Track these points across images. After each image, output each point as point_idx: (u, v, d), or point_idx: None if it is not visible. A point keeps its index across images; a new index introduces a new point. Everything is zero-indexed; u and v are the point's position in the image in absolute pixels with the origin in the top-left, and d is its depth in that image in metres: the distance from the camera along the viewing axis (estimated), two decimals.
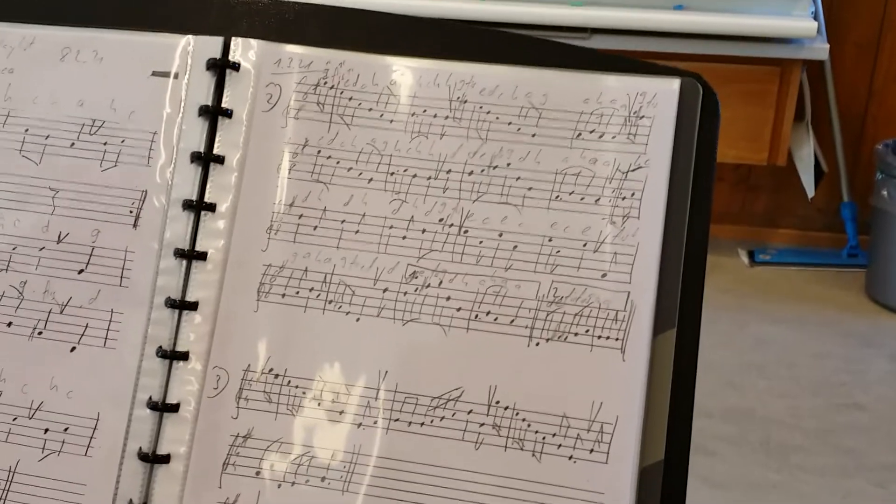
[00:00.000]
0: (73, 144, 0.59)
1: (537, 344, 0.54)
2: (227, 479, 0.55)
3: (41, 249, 0.58)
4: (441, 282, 0.56)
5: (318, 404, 0.55)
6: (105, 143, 0.59)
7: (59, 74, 0.60)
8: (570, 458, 0.53)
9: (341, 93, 0.59)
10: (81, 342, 0.57)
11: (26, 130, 0.59)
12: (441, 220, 0.57)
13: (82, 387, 0.56)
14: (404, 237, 0.57)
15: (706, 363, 2.14)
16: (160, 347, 0.56)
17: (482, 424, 0.54)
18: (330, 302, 0.56)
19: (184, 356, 0.56)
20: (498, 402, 0.54)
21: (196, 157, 0.58)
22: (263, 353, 0.56)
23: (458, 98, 0.58)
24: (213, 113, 0.58)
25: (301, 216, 0.57)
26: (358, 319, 0.56)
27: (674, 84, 0.57)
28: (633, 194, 0.56)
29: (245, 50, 0.59)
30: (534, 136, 0.57)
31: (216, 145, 0.58)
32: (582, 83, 0.58)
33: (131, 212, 0.58)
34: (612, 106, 0.57)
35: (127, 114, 0.59)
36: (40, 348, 0.57)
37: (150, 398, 0.55)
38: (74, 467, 0.55)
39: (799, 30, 2.27)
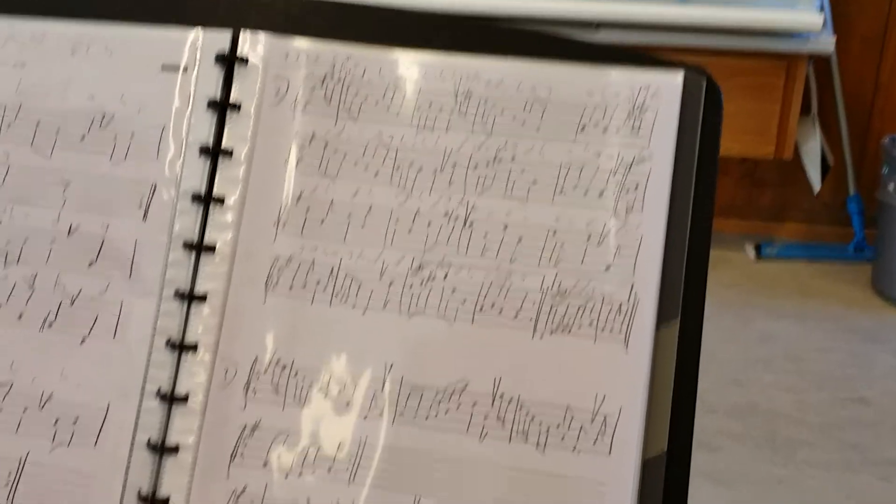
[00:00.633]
0: (83, 138, 0.59)
1: (541, 336, 0.55)
2: (234, 470, 0.55)
3: (52, 242, 0.58)
4: (446, 274, 0.56)
5: (325, 396, 0.56)
6: (115, 137, 0.59)
7: (70, 68, 0.60)
8: (574, 449, 0.54)
9: (348, 86, 0.59)
10: (91, 334, 0.57)
11: (37, 124, 0.60)
12: (446, 212, 0.57)
13: (92, 378, 0.57)
14: (410, 230, 0.57)
15: (711, 358, 2.14)
16: (169, 339, 0.56)
17: (487, 416, 0.54)
18: (336, 294, 0.57)
19: (192, 348, 0.56)
20: (502, 395, 0.55)
21: (205, 151, 0.58)
22: (271, 344, 0.56)
23: (464, 92, 0.59)
24: (222, 106, 0.59)
25: (308, 209, 0.58)
26: (364, 312, 0.56)
27: (677, 77, 0.57)
28: (636, 187, 0.56)
29: (253, 44, 0.60)
30: (538, 129, 0.58)
31: (225, 139, 0.58)
32: (586, 77, 0.58)
33: (140, 205, 0.58)
34: (616, 99, 0.57)
35: (136, 107, 0.59)
36: (50, 340, 0.57)
37: (159, 389, 0.56)
38: (84, 458, 0.56)
39: (805, 23, 2.27)
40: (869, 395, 2.06)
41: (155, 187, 0.58)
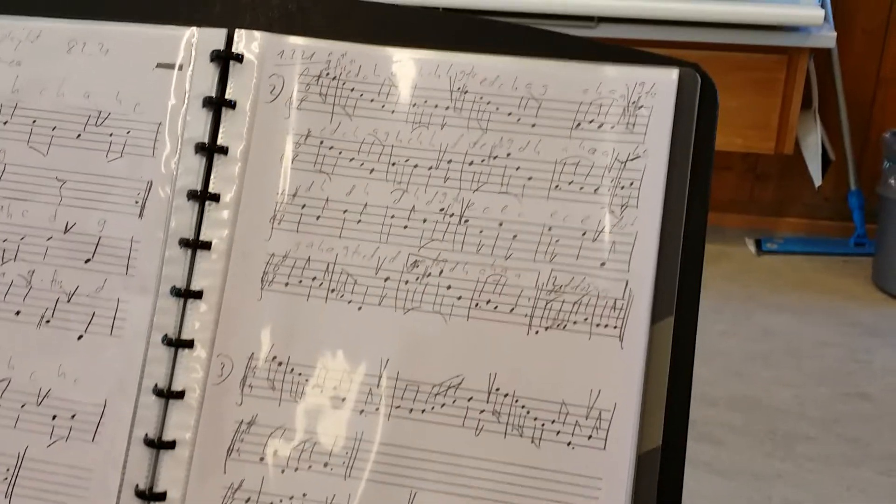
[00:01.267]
0: (79, 135, 0.60)
1: (536, 332, 0.55)
2: (231, 465, 0.55)
3: (48, 239, 0.59)
4: (442, 271, 0.56)
5: (321, 391, 0.56)
6: (111, 135, 0.59)
7: (66, 66, 0.61)
8: (569, 444, 0.54)
9: (343, 84, 0.59)
10: (88, 330, 0.57)
11: (34, 122, 0.60)
12: (442, 209, 0.57)
13: (89, 374, 0.57)
14: (405, 227, 0.57)
15: (712, 352, 2.15)
16: (166, 335, 0.57)
17: (482, 411, 0.55)
18: (332, 291, 0.57)
19: (189, 344, 0.57)
20: (498, 390, 0.55)
21: (200, 148, 0.58)
22: (267, 341, 0.57)
23: (459, 89, 0.59)
24: (217, 104, 0.59)
25: (304, 206, 0.58)
26: (360, 308, 0.57)
27: (672, 74, 0.57)
28: (631, 184, 0.56)
29: (248, 42, 0.60)
30: (533, 126, 0.58)
31: (220, 136, 0.59)
32: (581, 74, 0.58)
33: (137, 202, 0.58)
34: (610, 96, 0.57)
35: (132, 105, 0.60)
36: (48, 336, 0.58)
37: (156, 385, 0.56)
38: (81, 453, 0.56)
39: (806, 17, 2.26)
40: (869, 389, 2.06)
41: (151, 185, 0.58)
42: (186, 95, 0.59)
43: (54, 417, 0.57)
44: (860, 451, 1.84)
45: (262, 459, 0.55)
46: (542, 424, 0.54)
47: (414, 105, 0.59)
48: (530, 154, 0.57)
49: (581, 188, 0.57)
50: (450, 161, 0.58)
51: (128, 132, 0.59)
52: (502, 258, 0.56)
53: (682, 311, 0.56)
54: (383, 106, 0.59)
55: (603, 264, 0.56)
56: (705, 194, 0.57)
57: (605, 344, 0.55)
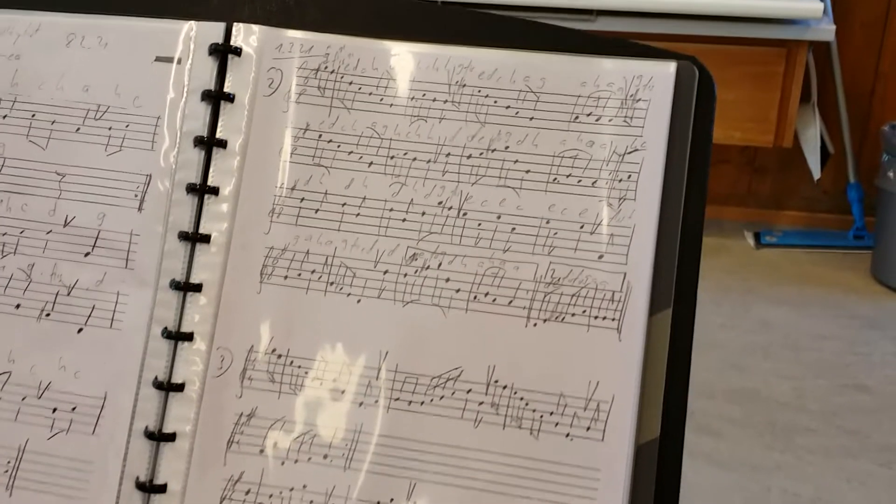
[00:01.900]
0: (78, 129, 0.60)
1: (535, 324, 0.55)
2: (231, 457, 0.56)
3: (48, 233, 0.59)
4: (440, 263, 0.57)
5: (320, 384, 0.56)
6: (110, 128, 0.60)
7: (65, 60, 0.61)
8: (567, 435, 0.54)
9: (342, 77, 0.59)
10: (88, 323, 0.58)
11: (33, 116, 0.60)
12: (440, 202, 0.57)
13: (89, 367, 0.57)
14: (404, 220, 0.57)
15: (711, 344, 2.15)
16: (165, 328, 0.57)
17: (481, 403, 0.55)
18: (331, 284, 0.57)
19: (188, 337, 0.57)
20: (496, 382, 0.55)
21: (199, 142, 0.59)
22: (266, 333, 0.57)
23: (457, 82, 0.59)
24: (216, 97, 0.59)
25: (303, 199, 0.58)
26: (359, 301, 0.57)
27: (670, 67, 0.58)
28: (629, 177, 0.56)
29: (247, 35, 0.60)
30: (531, 119, 0.58)
31: (219, 129, 0.59)
32: (579, 67, 0.58)
33: (136, 195, 0.58)
34: (608, 89, 0.58)
35: (131, 99, 0.60)
36: (48, 330, 0.58)
37: (156, 378, 0.56)
38: (82, 446, 0.56)
39: (805, 10, 2.26)
40: (868, 381, 2.07)
41: (150, 178, 0.59)
42: (185, 89, 0.59)
43: (55, 410, 0.57)
44: (859, 443, 1.85)
45: (262, 451, 0.56)
46: (541, 416, 0.54)
47: (412, 98, 0.59)
48: (528, 147, 0.58)
49: (579, 181, 0.57)
50: (448, 154, 0.58)
51: (127, 126, 0.59)
52: (501, 251, 0.56)
53: (680, 303, 0.56)
54: (381, 99, 0.59)
55: (601, 257, 0.56)
56: (703, 187, 0.57)
57: (603, 336, 0.55)
